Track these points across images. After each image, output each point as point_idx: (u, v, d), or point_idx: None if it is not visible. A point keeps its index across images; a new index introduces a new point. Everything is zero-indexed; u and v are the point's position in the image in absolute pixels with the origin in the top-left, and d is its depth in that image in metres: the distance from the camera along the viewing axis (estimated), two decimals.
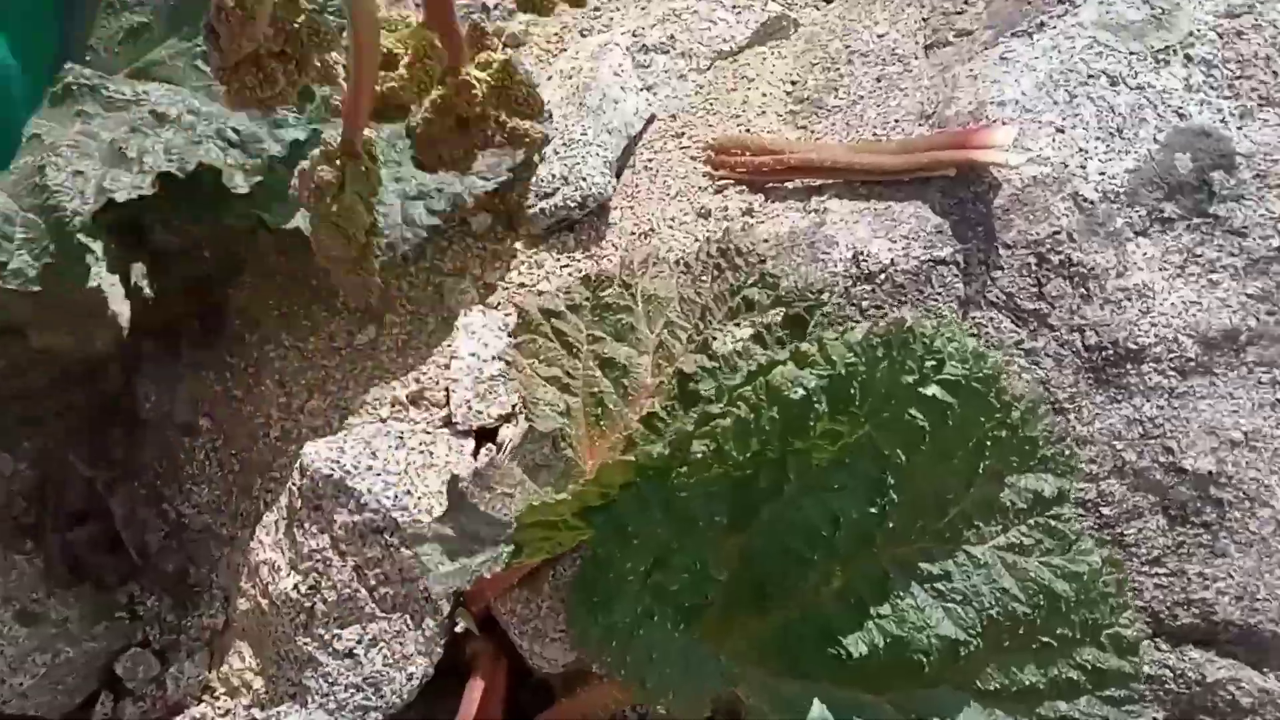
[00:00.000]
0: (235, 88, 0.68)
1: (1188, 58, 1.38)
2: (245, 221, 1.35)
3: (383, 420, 1.43)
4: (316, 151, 0.79)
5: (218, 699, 1.38)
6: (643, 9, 1.77)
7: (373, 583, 1.30)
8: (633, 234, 1.49)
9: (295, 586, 1.30)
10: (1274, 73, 1.36)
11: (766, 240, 1.36)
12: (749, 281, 1.16)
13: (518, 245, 1.52)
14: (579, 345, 1.19)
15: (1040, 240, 1.30)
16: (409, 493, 1.30)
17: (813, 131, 1.53)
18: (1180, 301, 1.29)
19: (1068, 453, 1.08)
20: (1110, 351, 1.28)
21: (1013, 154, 1.30)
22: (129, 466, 1.53)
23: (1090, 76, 1.38)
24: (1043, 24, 1.45)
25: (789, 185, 1.45)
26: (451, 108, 0.79)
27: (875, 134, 1.47)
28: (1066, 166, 1.32)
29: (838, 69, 1.58)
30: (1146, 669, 1.23)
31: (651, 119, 1.60)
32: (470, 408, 1.39)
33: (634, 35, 1.69)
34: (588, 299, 1.21)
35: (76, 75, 1.32)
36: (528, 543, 1.03)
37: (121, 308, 1.39)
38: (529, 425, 1.21)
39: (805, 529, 1.06)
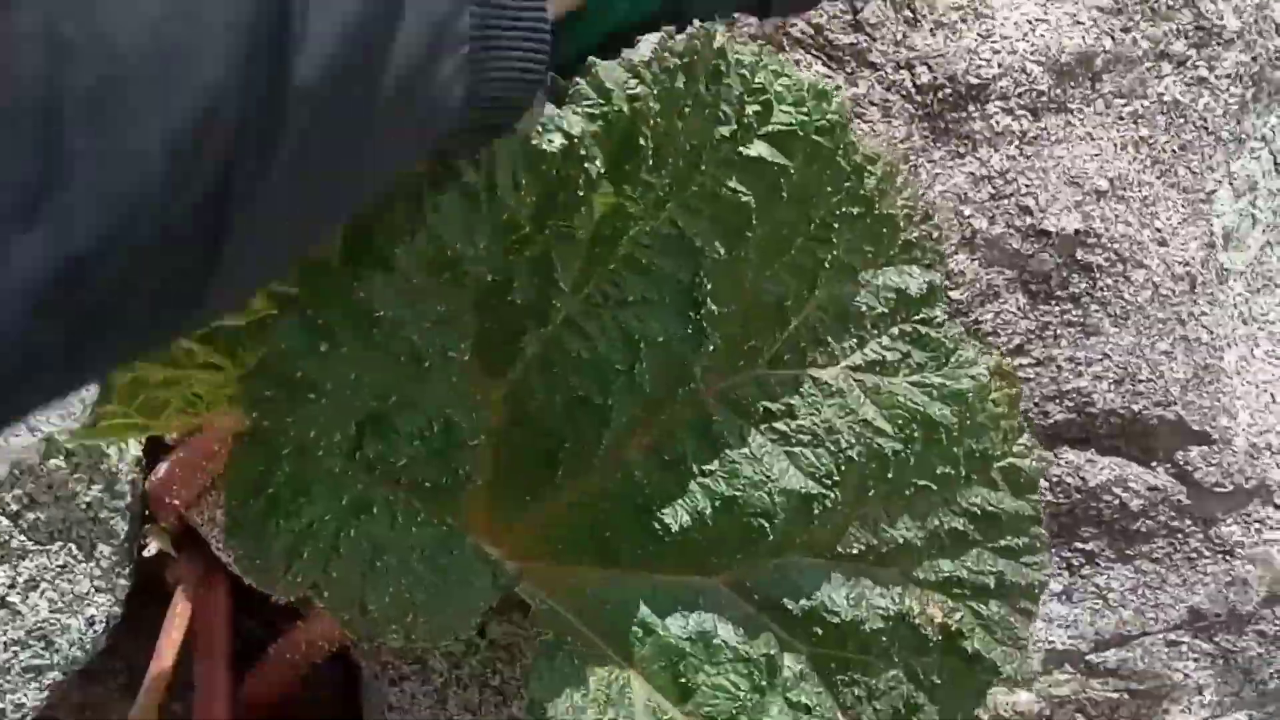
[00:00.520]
0: None
1: None
2: None
3: None
4: None
5: None
6: None
7: (14, 507, 0.95)
8: None
9: None
10: None
11: None
12: None
13: None
14: None
15: None
16: None
17: None
18: (1025, 20, 1.01)
19: (935, 235, 0.79)
20: (948, 90, 0.99)
21: None
22: None
23: None
24: None
25: None
26: None
27: None
28: None
29: None
30: None
31: None
32: None
33: None
34: None
35: None
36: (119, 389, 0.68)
37: None
38: None
39: (594, 364, 0.74)
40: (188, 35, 0.39)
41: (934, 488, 0.79)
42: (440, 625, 0.72)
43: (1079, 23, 1.03)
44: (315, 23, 0.42)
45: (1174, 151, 1.05)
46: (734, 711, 0.76)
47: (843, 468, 0.78)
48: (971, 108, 1.00)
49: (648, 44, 0.64)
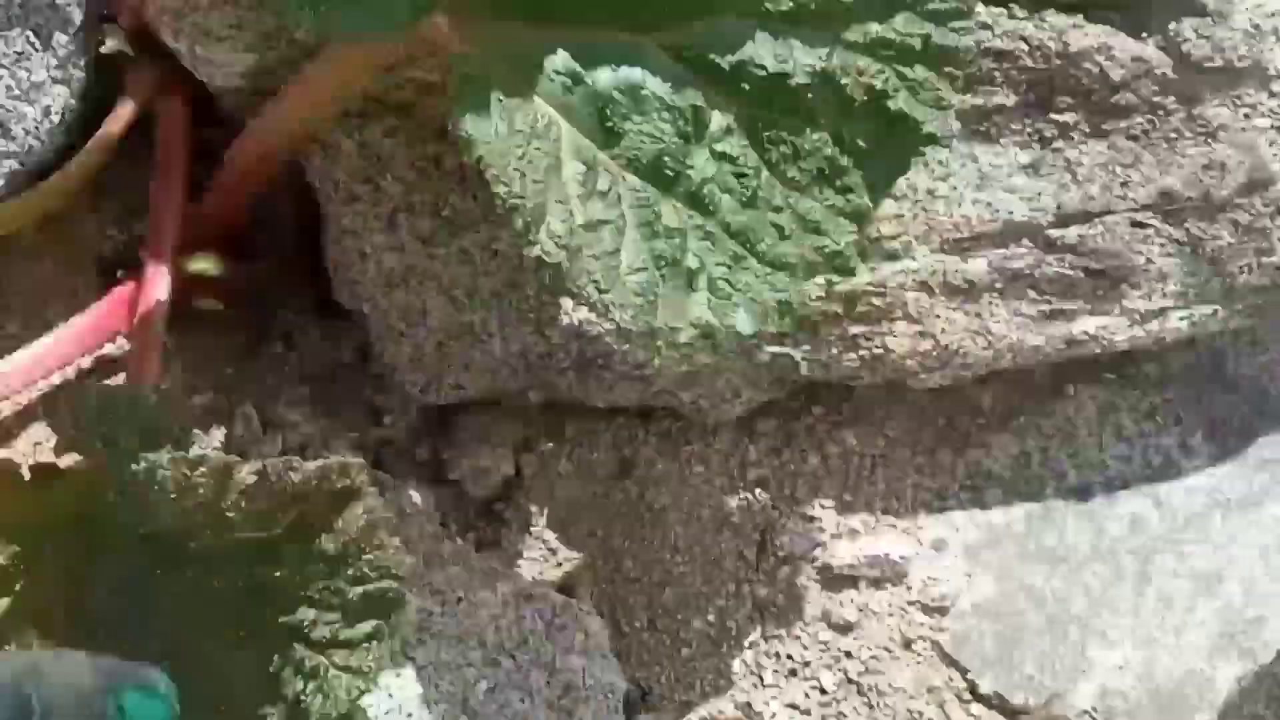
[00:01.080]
0: None
1: None
2: None
3: None
4: None
5: None
6: None
7: None
8: None
9: None
10: None
11: None
12: None
13: None
14: None
15: None
16: None
17: None
18: None
19: None
20: None
21: None
22: None
23: None
24: None
25: None
26: None
27: None
28: None
29: None
30: (997, 43, 0.96)
31: None
32: None
33: None
34: None
35: None
36: None
37: None
38: None
39: None
40: None
41: None
42: (354, 20, 0.71)
43: None
44: None
45: None
46: (660, 155, 0.76)
47: None
48: None
49: None
